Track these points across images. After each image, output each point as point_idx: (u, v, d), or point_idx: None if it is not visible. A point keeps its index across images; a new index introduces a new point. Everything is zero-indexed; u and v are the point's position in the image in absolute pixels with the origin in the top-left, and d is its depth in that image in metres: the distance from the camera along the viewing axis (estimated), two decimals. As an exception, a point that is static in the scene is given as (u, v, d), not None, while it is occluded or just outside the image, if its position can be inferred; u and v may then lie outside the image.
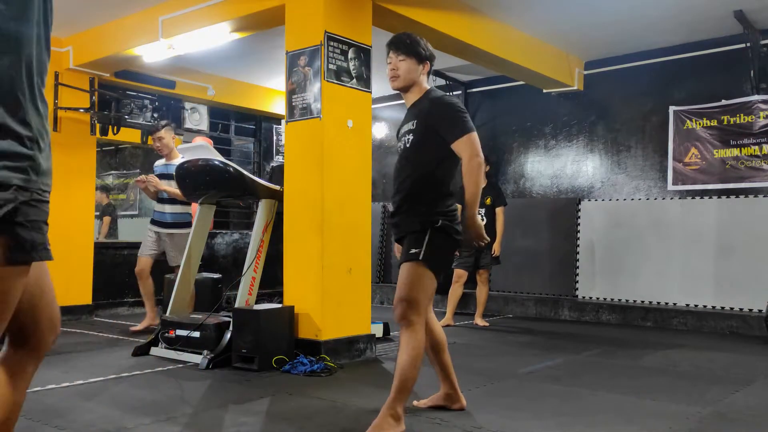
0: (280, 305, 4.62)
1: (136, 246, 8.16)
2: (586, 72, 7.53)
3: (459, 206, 7.01)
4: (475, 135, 3.05)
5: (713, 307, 6.50)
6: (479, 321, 6.62)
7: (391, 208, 3.15)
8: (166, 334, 4.70)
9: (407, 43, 3.13)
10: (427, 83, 3.19)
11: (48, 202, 1.51)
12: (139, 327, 5.94)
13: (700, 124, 6.72)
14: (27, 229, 1.42)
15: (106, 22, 6.29)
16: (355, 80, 4.83)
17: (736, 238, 6.40)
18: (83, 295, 6.92)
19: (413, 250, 2.95)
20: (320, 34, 4.61)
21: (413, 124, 3.09)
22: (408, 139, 3.10)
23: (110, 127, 6.93)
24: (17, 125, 1.40)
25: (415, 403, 3.32)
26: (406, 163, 3.08)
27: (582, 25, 6.36)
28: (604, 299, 7.20)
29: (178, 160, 5.73)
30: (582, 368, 4.49)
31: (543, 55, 6.90)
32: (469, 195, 3.00)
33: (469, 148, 3.00)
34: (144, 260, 5.93)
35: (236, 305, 4.53)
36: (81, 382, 3.88)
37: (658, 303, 6.83)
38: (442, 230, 2.98)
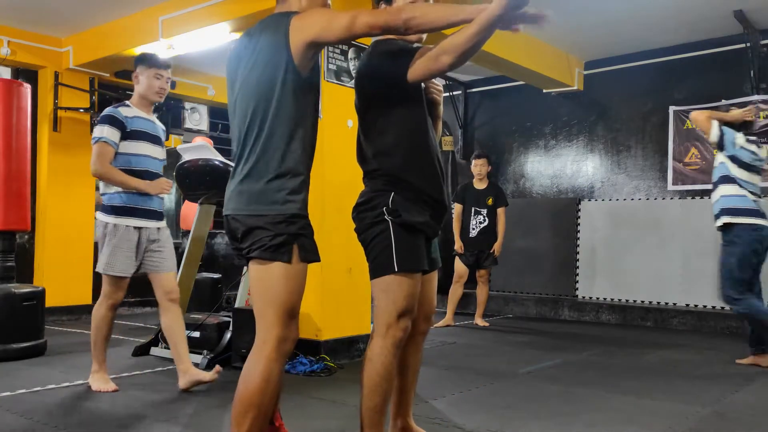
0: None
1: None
2: (586, 72, 7.53)
3: (459, 206, 6.95)
4: None
5: (713, 307, 6.50)
6: (479, 321, 6.62)
7: (436, 202, 2.41)
8: (166, 334, 4.69)
9: None
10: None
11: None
12: (97, 386, 3.69)
13: (700, 124, 6.71)
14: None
15: (106, 22, 6.29)
16: (352, 81, 4.83)
17: (736, 238, 6.39)
18: (83, 295, 6.91)
19: (438, 255, 2.56)
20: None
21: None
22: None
23: (110, 127, 6.92)
24: None
25: None
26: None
27: (582, 25, 6.36)
28: (604, 299, 7.19)
29: (154, 117, 3.91)
30: (582, 368, 4.49)
31: (543, 55, 6.90)
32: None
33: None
34: (125, 283, 3.82)
35: (236, 305, 4.53)
36: (81, 382, 3.87)
37: (658, 303, 6.83)
38: None
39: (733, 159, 4.54)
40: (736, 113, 4.68)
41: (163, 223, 3.83)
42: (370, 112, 2.38)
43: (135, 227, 3.67)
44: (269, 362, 2.07)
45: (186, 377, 3.65)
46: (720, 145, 4.58)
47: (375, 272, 2.31)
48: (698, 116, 4.65)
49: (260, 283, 2.14)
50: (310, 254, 2.16)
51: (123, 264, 3.67)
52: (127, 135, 3.64)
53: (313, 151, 2.25)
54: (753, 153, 4.54)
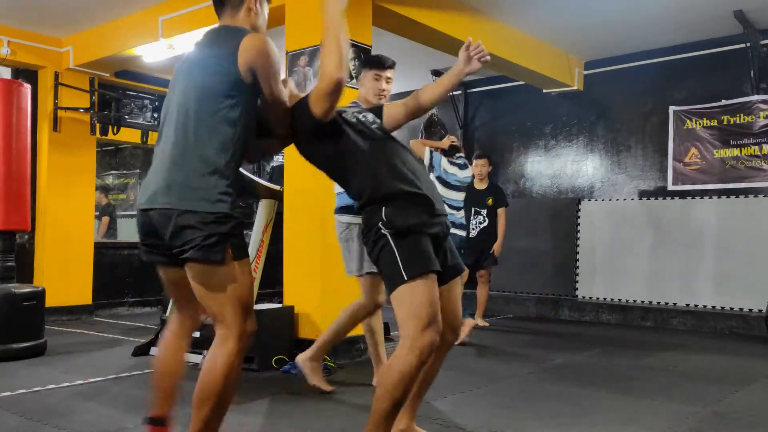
0: (280, 305, 4.61)
1: (136, 246, 8.18)
2: (586, 72, 7.53)
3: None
4: None
5: (713, 307, 6.50)
6: (479, 321, 6.61)
7: (422, 196, 2.40)
8: (166, 334, 4.69)
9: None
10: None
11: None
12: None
13: (700, 124, 6.72)
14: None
15: (106, 22, 6.29)
16: (355, 80, 4.83)
17: (736, 238, 6.40)
18: (83, 295, 6.92)
19: (458, 261, 2.55)
20: (320, 34, 4.61)
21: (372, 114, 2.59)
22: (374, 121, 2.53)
23: (110, 127, 6.93)
24: None
25: None
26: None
27: (582, 25, 6.36)
28: (604, 299, 7.19)
29: None
30: (582, 368, 4.49)
31: (543, 55, 6.90)
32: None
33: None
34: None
35: (236, 305, 4.52)
36: (81, 382, 3.88)
37: (658, 303, 6.83)
38: None
39: (439, 179, 5.21)
40: (443, 142, 5.39)
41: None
42: (330, 169, 2.53)
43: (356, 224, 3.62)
44: (231, 356, 2.20)
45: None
46: (430, 167, 5.20)
47: (389, 287, 2.28)
48: (415, 144, 5.29)
49: (211, 283, 2.19)
50: (242, 251, 2.25)
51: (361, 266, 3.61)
52: None
53: (242, 157, 2.29)
54: (455, 175, 5.27)
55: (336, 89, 2.22)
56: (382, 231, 2.28)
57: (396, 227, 2.27)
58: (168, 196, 2.17)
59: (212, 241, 2.13)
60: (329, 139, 2.39)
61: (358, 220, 3.47)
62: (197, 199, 2.15)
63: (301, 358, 3.70)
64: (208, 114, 2.21)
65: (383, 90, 3.69)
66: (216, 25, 2.46)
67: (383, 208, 2.30)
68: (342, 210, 3.70)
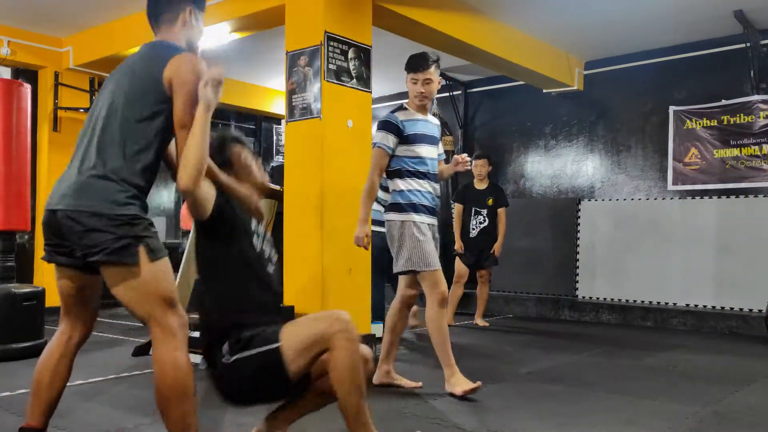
0: (280, 305, 4.61)
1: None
2: (586, 72, 7.53)
3: (460, 206, 6.96)
4: None
5: (713, 307, 6.50)
6: (479, 321, 6.62)
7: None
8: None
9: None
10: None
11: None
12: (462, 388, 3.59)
13: (700, 124, 6.72)
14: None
15: (106, 22, 6.29)
16: (355, 80, 4.84)
17: (736, 238, 6.40)
18: (83, 295, 6.90)
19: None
20: (320, 34, 4.61)
21: None
22: None
23: (110, 127, 6.93)
24: None
25: None
26: None
27: (582, 25, 6.36)
28: (604, 299, 7.19)
29: (429, 117, 3.79)
30: (582, 368, 4.49)
31: (543, 55, 6.90)
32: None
33: None
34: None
35: (236, 305, 4.52)
36: (81, 382, 3.88)
37: (658, 303, 6.83)
38: None
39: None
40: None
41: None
42: (204, 256, 2.43)
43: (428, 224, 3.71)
44: (174, 350, 2.19)
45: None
46: None
47: (283, 373, 2.25)
48: None
49: (129, 284, 2.19)
50: (159, 252, 2.24)
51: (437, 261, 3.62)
52: (404, 139, 3.61)
53: (157, 164, 2.35)
54: None
55: (186, 197, 2.21)
56: (233, 358, 2.24)
57: (248, 346, 2.25)
58: (77, 198, 2.20)
59: (123, 244, 2.15)
60: (226, 234, 2.33)
61: (411, 217, 3.57)
62: (107, 202, 2.17)
63: (451, 384, 3.59)
64: (132, 119, 2.25)
65: (421, 92, 3.61)
66: (154, 40, 2.50)
67: (225, 342, 2.26)
68: (394, 208, 3.65)
